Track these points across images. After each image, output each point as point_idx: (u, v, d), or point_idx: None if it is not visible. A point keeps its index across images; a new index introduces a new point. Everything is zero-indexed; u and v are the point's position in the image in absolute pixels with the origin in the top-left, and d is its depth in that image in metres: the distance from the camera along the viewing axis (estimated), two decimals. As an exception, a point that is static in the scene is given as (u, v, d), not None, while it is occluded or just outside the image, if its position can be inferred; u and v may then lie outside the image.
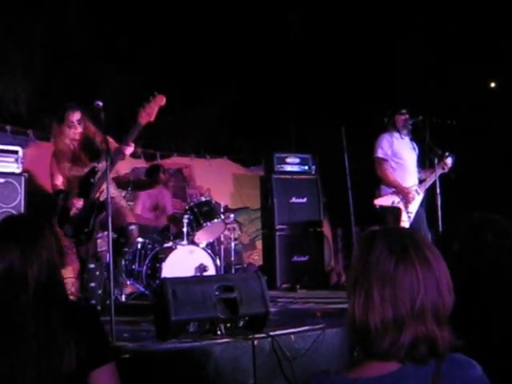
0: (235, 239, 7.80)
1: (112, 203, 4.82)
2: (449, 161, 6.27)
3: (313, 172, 8.80)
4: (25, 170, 6.76)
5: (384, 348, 1.56)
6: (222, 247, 7.35)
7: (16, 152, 6.68)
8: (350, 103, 9.48)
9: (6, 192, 6.45)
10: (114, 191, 5.45)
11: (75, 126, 5.44)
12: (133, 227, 5.56)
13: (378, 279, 1.59)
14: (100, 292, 5.42)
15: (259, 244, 9.41)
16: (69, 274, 7.23)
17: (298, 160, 8.67)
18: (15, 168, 6.61)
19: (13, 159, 6.62)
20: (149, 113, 5.01)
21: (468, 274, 2.26)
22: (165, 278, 4.31)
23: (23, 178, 6.61)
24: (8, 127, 7.70)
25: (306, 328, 4.48)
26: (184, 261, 6.04)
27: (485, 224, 2.35)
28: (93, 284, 5.37)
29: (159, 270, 5.99)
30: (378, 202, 6.37)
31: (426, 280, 1.57)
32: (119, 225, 5.47)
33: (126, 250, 5.87)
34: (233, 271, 7.18)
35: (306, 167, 8.74)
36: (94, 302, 5.29)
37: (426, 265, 1.59)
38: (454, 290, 1.62)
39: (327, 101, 9.93)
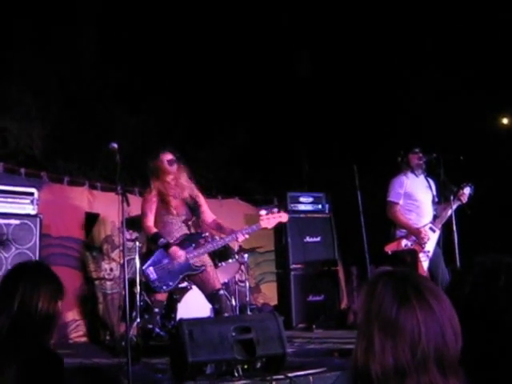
0: (243, 281, 7.71)
1: (205, 270, 5.44)
2: (467, 191, 6.16)
3: (326, 210, 8.78)
4: (38, 212, 6.73)
5: None
6: (237, 287, 7.28)
7: (32, 194, 6.67)
8: (362, 141, 9.47)
9: (22, 233, 6.44)
10: (208, 260, 5.65)
11: (171, 164, 5.64)
12: (222, 292, 5.61)
13: (379, 326, 1.52)
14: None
15: (263, 288, 9.38)
16: (74, 317, 7.23)
17: (311, 199, 8.66)
18: (31, 209, 6.60)
19: (28, 201, 6.62)
20: (270, 222, 5.53)
21: (478, 320, 2.19)
22: (181, 319, 4.26)
23: (38, 220, 6.60)
24: (22, 170, 7.71)
25: (325, 369, 4.41)
26: (199, 301, 5.98)
27: (497, 268, 2.27)
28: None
29: (174, 310, 5.91)
30: (390, 248, 6.29)
31: (428, 327, 1.49)
32: (208, 291, 5.55)
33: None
34: (248, 311, 7.09)
35: (320, 206, 8.73)
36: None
37: (428, 310, 1.51)
38: (465, 333, 1.55)
39: (339, 139, 9.92)
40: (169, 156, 5.68)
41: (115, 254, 8.11)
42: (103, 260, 8.04)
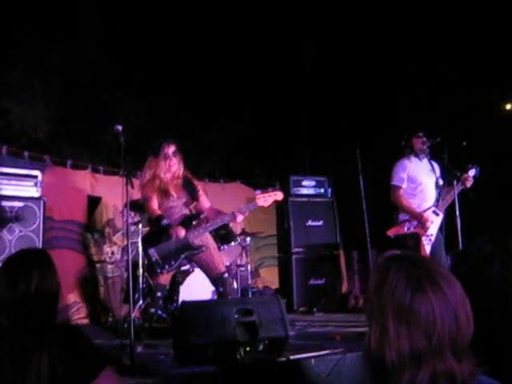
0: (244, 264, 7.69)
1: (206, 251, 5.48)
2: (472, 173, 6.10)
3: (329, 195, 8.76)
4: (42, 195, 6.73)
5: None
6: (239, 270, 7.27)
7: (35, 176, 6.66)
8: (365, 125, 9.41)
9: (26, 216, 6.43)
10: (211, 241, 5.67)
11: (170, 157, 5.64)
12: (226, 275, 5.62)
13: (393, 312, 1.50)
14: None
15: (263, 272, 9.38)
16: (75, 299, 7.24)
17: (313, 183, 8.65)
18: (34, 192, 6.59)
19: (32, 183, 6.60)
20: (266, 200, 5.56)
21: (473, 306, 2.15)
22: (184, 301, 4.23)
23: (42, 202, 6.59)
24: (26, 153, 7.68)
25: (327, 352, 4.37)
26: (201, 284, 5.97)
27: (492, 252, 2.22)
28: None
29: (176, 292, 5.89)
30: (392, 232, 6.24)
31: (442, 312, 1.47)
32: (212, 274, 5.55)
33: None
34: (250, 294, 7.09)
35: (322, 190, 8.71)
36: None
37: (442, 296, 1.49)
38: None
39: (341, 123, 9.87)
40: (172, 147, 5.69)
41: (117, 238, 8.11)
42: (105, 243, 8.04)
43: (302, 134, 10.70)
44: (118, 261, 8.01)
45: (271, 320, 4.21)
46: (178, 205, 5.69)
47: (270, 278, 9.27)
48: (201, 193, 5.86)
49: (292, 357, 4.13)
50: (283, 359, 4.09)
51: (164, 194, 5.64)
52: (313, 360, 4.16)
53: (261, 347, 4.24)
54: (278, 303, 4.34)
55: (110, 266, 8.00)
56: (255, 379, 3.92)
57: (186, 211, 5.72)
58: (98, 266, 7.91)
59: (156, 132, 9.49)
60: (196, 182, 5.89)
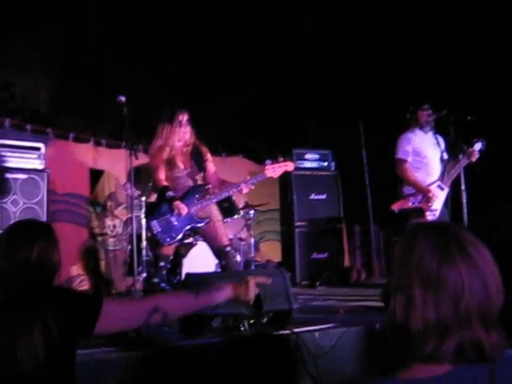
0: (246, 238, 7.66)
1: (210, 223, 5.46)
2: (477, 147, 6.02)
3: (332, 168, 8.69)
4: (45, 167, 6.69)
5: (427, 353, 1.42)
6: (242, 244, 7.24)
7: (39, 148, 6.61)
8: (368, 98, 9.29)
9: (29, 188, 6.39)
10: (215, 213, 5.63)
11: (185, 125, 5.62)
12: (229, 248, 5.60)
13: (420, 280, 1.45)
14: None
15: (263, 246, 9.37)
16: (78, 272, 7.25)
17: (317, 156, 8.58)
18: (38, 164, 6.54)
19: (35, 155, 6.56)
20: (275, 171, 5.51)
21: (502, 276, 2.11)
22: (188, 273, 4.20)
23: (46, 175, 6.54)
24: (28, 126, 7.63)
25: (331, 325, 4.37)
26: (204, 256, 5.96)
27: (490, 226, 2.18)
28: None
29: (180, 265, 5.89)
30: (396, 206, 6.18)
31: (471, 281, 1.42)
32: (216, 247, 5.53)
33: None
34: (252, 267, 7.08)
35: (326, 163, 8.64)
36: None
37: (471, 264, 1.44)
38: None
39: (345, 96, 9.74)
40: (186, 115, 5.66)
41: (119, 211, 8.10)
42: (106, 217, 8.03)
43: (305, 107, 10.62)
44: (120, 234, 8.01)
45: (275, 293, 4.14)
46: (183, 176, 5.65)
47: (271, 252, 9.27)
48: (208, 163, 5.81)
49: (296, 330, 4.09)
50: (287, 332, 4.06)
51: (171, 164, 5.61)
52: (317, 333, 4.15)
53: (265, 320, 4.22)
54: (282, 276, 4.29)
55: (111, 240, 8.00)
56: (259, 351, 3.88)
57: (191, 182, 5.67)
58: (99, 239, 7.91)
59: (158, 103, 9.43)
60: (204, 149, 5.83)
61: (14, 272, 2.22)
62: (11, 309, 2.14)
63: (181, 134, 5.63)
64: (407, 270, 1.48)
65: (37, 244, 2.29)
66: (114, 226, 8.00)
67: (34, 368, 2.06)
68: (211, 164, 5.86)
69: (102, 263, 7.80)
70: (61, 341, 2.13)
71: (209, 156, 5.86)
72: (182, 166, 5.63)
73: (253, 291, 2.47)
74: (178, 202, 5.41)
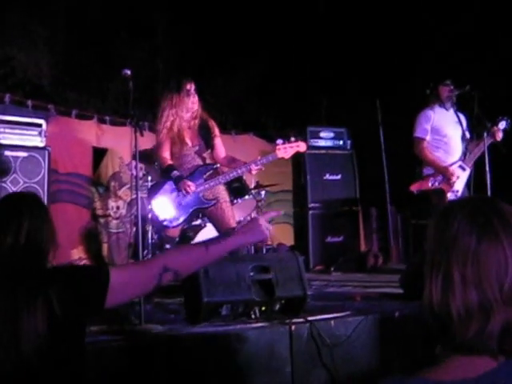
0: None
1: (217, 204, 5.37)
2: (502, 125, 5.88)
3: (348, 147, 8.59)
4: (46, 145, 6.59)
5: (469, 338, 1.33)
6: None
7: (40, 125, 6.50)
8: (385, 73, 9.14)
9: (30, 166, 6.30)
10: (223, 195, 5.54)
11: (194, 94, 5.51)
12: None
13: (457, 258, 1.37)
14: None
15: (273, 229, 9.27)
16: (80, 255, 7.21)
17: (332, 134, 8.46)
18: (39, 142, 6.45)
19: (36, 132, 6.46)
20: (287, 151, 5.37)
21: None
22: None
23: (47, 152, 6.45)
24: (29, 102, 7.57)
25: (347, 313, 4.30)
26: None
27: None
28: None
29: None
30: (415, 187, 6.07)
31: None
32: (222, 229, 5.38)
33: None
34: (264, 251, 7.00)
35: (341, 142, 8.53)
36: None
37: None
38: None
39: (361, 71, 9.60)
40: (192, 85, 5.53)
41: (122, 192, 8.04)
42: (109, 198, 7.98)
43: (320, 83, 10.47)
44: (123, 216, 7.95)
45: (289, 278, 4.12)
46: (190, 153, 5.53)
47: (283, 235, 9.15)
48: (216, 139, 5.69)
49: (310, 318, 4.04)
50: (300, 320, 4.00)
51: (178, 140, 5.48)
52: (332, 322, 4.10)
53: (277, 307, 4.18)
54: (296, 260, 4.24)
55: (114, 222, 7.96)
56: (269, 340, 3.83)
57: (199, 161, 5.56)
58: (101, 221, 7.87)
59: (164, 78, 9.36)
60: (212, 123, 5.71)
61: (1, 258, 2.11)
62: (7, 290, 2.04)
63: (189, 105, 5.50)
64: (443, 247, 1.40)
65: (23, 223, 2.16)
66: (118, 208, 7.95)
67: (37, 348, 1.97)
68: (220, 140, 5.75)
69: (104, 246, 7.76)
70: (65, 318, 2.03)
71: (217, 131, 5.75)
72: (189, 142, 5.51)
73: (265, 228, 2.33)
74: (184, 182, 5.31)
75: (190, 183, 5.30)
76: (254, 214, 7.29)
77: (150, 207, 5.65)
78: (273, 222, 9.21)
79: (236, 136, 9.33)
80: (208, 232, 6.04)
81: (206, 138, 5.62)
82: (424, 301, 1.44)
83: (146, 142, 6.17)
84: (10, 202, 2.28)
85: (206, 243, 2.30)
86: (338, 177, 8.35)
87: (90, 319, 2.21)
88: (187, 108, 5.51)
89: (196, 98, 5.53)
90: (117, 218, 7.94)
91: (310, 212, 8.11)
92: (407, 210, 9.11)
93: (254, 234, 2.35)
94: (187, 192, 5.29)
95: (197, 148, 5.55)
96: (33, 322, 1.98)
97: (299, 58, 10.19)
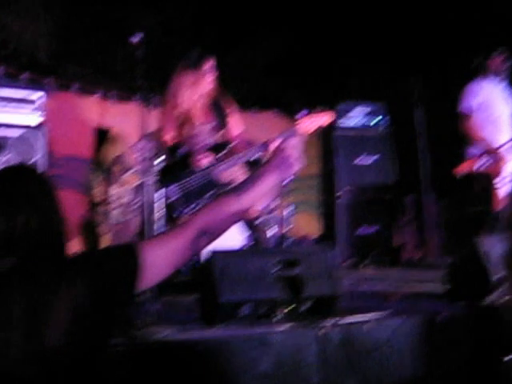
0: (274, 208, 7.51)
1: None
2: None
3: (384, 126, 8.54)
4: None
5: None
6: (274, 215, 7.09)
7: (35, 101, 6.51)
8: (426, 41, 9.01)
9: (24, 147, 6.32)
10: (240, 175, 5.50)
11: (211, 72, 5.55)
12: (259, 220, 5.58)
13: None
14: None
15: (295, 219, 9.19)
16: (79, 248, 7.22)
17: (366, 111, 8.43)
18: (34, 119, 6.44)
19: (31, 109, 6.46)
20: (309, 126, 5.39)
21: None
22: (213, 250, 4.06)
23: (43, 132, 6.45)
24: (24, 75, 7.56)
25: (383, 315, 4.26)
26: (231, 228, 5.77)
27: None
28: None
29: None
30: (460, 170, 6.04)
31: None
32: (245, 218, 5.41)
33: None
34: (287, 244, 6.95)
35: (376, 120, 8.49)
36: None
37: None
38: None
39: (396, 39, 9.47)
40: (212, 61, 5.56)
41: (126, 177, 8.00)
42: (111, 183, 7.93)
43: (350, 54, 10.39)
44: (126, 205, 7.92)
45: (318, 274, 4.08)
46: (202, 132, 5.53)
47: (306, 226, 9.14)
48: (231, 118, 5.71)
49: (342, 321, 4.02)
50: (331, 323, 3.96)
51: (187, 119, 5.50)
52: (367, 325, 4.07)
53: (304, 307, 4.12)
54: (325, 254, 4.20)
55: (115, 211, 7.90)
56: (295, 346, 3.79)
57: (211, 141, 5.57)
58: (101, 209, 7.83)
59: (176, 50, 9.30)
60: (227, 100, 5.73)
61: (14, 241, 2.01)
62: (24, 284, 1.95)
63: (206, 84, 5.53)
64: None
65: (35, 204, 2.09)
66: (120, 195, 7.91)
67: (61, 347, 1.90)
68: (235, 118, 5.75)
69: (104, 239, 7.70)
70: (93, 312, 1.95)
71: (233, 108, 5.76)
72: (201, 121, 5.55)
73: (295, 157, 2.19)
74: (197, 159, 5.35)
75: (203, 162, 5.33)
76: (275, 203, 7.23)
77: (158, 193, 5.64)
78: (295, 210, 9.20)
79: (257, 114, 9.29)
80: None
81: (219, 116, 5.62)
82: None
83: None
84: (12, 175, 2.17)
85: (236, 190, 2.21)
86: (372, 160, 8.32)
87: None
88: (203, 87, 5.53)
89: (214, 76, 5.55)
90: (119, 207, 7.90)
91: (339, 200, 8.10)
92: (448, 196, 9.05)
93: (288, 166, 2.20)
94: (200, 165, 5.31)
95: (209, 127, 5.56)
96: (56, 319, 1.91)
97: (327, 28, 10.08)
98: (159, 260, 2.06)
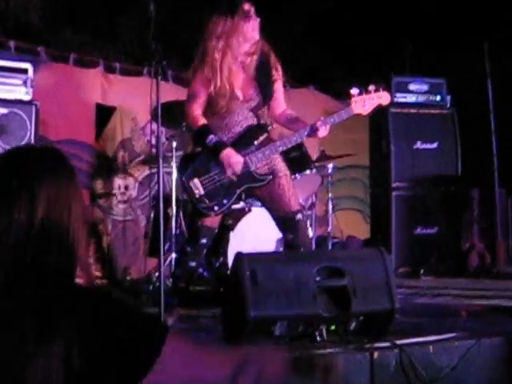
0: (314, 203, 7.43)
1: (275, 180, 5.22)
2: None
3: (447, 104, 8.40)
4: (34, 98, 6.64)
5: None
6: (314, 211, 7.02)
7: (25, 71, 6.52)
8: (497, 6, 8.93)
9: (12, 127, 6.36)
10: (281, 167, 5.36)
11: (254, 18, 5.22)
12: (300, 217, 5.33)
13: None
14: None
15: (338, 217, 9.10)
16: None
17: (426, 87, 8.29)
18: (24, 94, 6.48)
19: (20, 81, 6.48)
20: (366, 105, 5.22)
21: None
22: (240, 254, 4.00)
23: (34, 108, 6.49)
24: (12, 42, 7.55)
25: (452, 335, 4.18)
26: (261, 229, 5.88)
27: None
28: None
29: (225, 242, 5.88)
30: None
31: None
32: (280, 214, 5.28)
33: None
34: (329, 247, 6.89)
35: (438, 97, 8.34)
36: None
37: None
38: None
39: (460, 5, 9.41)
40: (246, 5, 5.21)
41: (134, 166, 8.01)
42: (116, 173, 7.95)
43: (400, 22, 10.35)
44: (134, 199, 7.92)
45: (371, 286, 3.97)
46: (241, 111, 5.26)
47: (353, 226, 9.18)
48: (277, 85, 5.39)
49: (399, 341, 3.92)
50: (386, 345, 3.90)
51: (225, 90, 5.18)
52: (430, 347, 4.00)
53: (353, 325, 4.03)
54: (381, 260, 4.08)
55: (121, 206, 7.97)
56: (342, 371, 3.73)
57: (253, 120, 5.32)
58: (104, 204, 7.88)
59: (194, 16, 9.29)
60: (274, 60, 5.40)
61: (11, 244, 1.81)
62: (9, 319, 1.79)
63: (248, 32, 5.19)
64: None
65: (42, 193, 1.87)
66: (126, 188, 7.95)
67: None
68: (281, 86, 5.50)
69: (108, 238, 7.78)
70: (84, 378, 1.78)
71: (280, 72, 5.45)
72: (241, 95, 5.22)
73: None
74: (228, 152, 5.11)
75: (235, 159, 5.10)
76: (315, 196, 7.21)
77: (178, 186, 5.58)
78: (338, 207, 9.16)
79: (291, 90, 9.24)
80: (253, 219, 5.94)
81: (264, 83, 5.31)
82: None
83: (169, 96, 6.04)
84: (16, 161, 1.98)
85: None
86: (434, 145, 8.21)
87: None
88: (245, 37, 5.19)
89: (257, 22, 5.20)
90: (124, 202, 7.92)
91: (394, 193, 8.00)
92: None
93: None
94: (234, 172, 5.13)
95: (252, 104, 5.29)
96: (41, 374, 1.75)
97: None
98: (177, 368, 1.86)
